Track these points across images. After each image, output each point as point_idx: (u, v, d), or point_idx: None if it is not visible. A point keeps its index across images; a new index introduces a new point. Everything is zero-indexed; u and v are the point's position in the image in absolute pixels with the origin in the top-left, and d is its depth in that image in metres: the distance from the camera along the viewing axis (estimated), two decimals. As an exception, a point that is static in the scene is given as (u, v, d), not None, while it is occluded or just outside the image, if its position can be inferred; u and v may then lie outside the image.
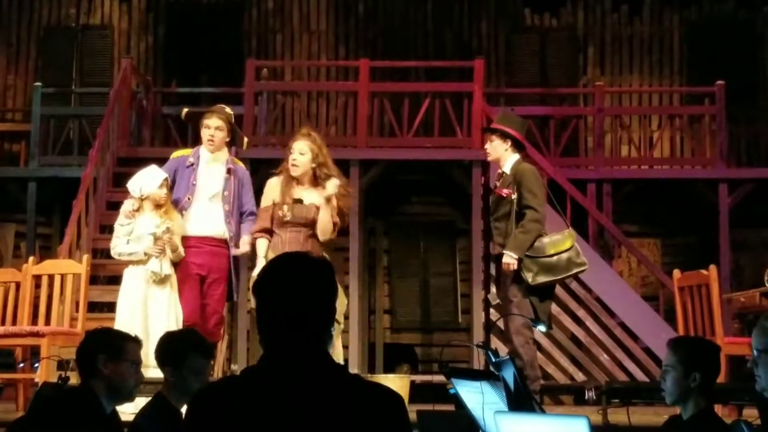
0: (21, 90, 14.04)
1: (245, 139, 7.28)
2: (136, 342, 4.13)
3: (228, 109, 7.13)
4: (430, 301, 13.05)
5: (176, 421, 4.33)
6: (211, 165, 6.91)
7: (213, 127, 6.90)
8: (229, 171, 6.92)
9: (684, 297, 7.59)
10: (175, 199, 6.87)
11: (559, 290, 10.19)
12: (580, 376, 10.14)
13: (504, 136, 6.91)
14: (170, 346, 4.41)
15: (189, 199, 6.80)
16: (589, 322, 10.21)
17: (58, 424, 3.73)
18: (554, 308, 10.21)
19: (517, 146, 6.96)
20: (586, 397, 9.45)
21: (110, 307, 6.83)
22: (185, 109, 7.25)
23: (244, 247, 6.85)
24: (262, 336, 2.54)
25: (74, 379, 4.41)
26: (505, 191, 6.83)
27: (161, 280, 6.75)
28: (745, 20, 13.73)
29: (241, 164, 7.16)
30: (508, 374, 3.65)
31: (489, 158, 7.11)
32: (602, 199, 11.59)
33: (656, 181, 12.15)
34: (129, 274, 6.79)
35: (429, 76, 12.93)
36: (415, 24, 14.14)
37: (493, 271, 8.70)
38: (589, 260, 10.30)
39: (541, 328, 7.25)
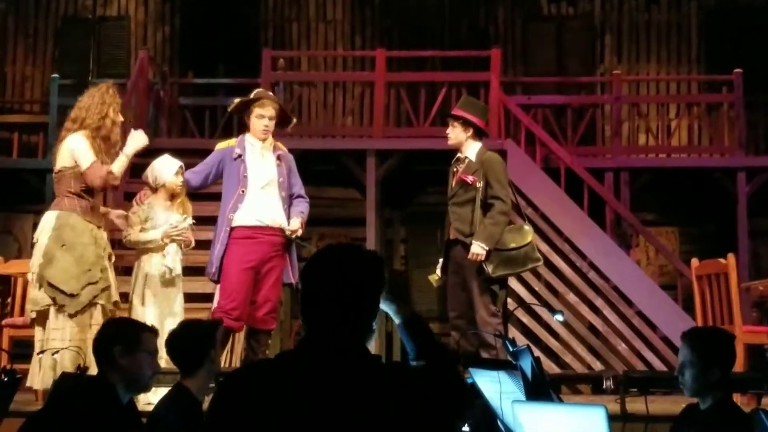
0: (38, 81, 14.10)
1: (293, 120, 7.17)
2: (152, 332, 4.12)
3: (272, 95, 7.11)
4: (448, 290, 13.03)
5: (197, 411, 4.34)
6: (263, 153, 6.81)
7: (267, 116, 6.81)
8: (279, 157, 6.86)
9: (702, 286, 7.58)
10: (225, 196, 6.75)
11: (576, 279, 10.21)
12: (597, 366, 10.11)
13: (466, 123, 6.92)
14: (191, 353, 4.41)
15: (243, 192, 6.67)
16: (607, 312, 10.19)
17: (75, 416, 3.74)
18: (572, 298, 10.22)
19: (479, 133, 6.97)
20: (604, 387, 9.40)
21: (128, 297, 6.79)
22: (237, 100, 7.06)
23: (295, 225, 6.75)
24: (304, 322, 2.53)
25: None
26: (470, 178, 6.84)
27: (169, 281, 6.69)
28: (763, 7, 13.62)
29: (284, 148, 7.02)
30: (526, 363, 3.64)
31: (449, 143, 7.08)
32: (620, 188, 11.55)
33: (674, 169, 12.09)
34: (144, 264, 6.69)
35: (445, 65, 12.90)
36: (431, 13, 14.10)
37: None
38: (607, 249, 10.42)
39: (558, 317, 7.25)
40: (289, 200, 6.85)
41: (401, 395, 2.42)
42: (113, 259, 6.64)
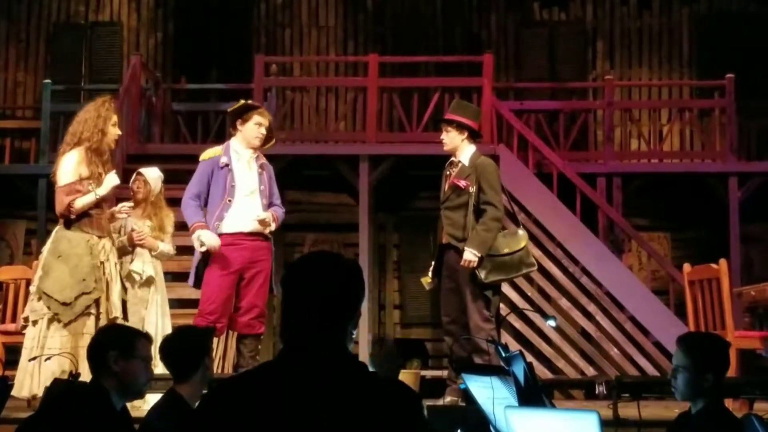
0: (31, 87, 14.08)
1: (273, 141, 7.16)
2: (147, 339, 4.13)
3: None
4: (441, 295, 13.03)
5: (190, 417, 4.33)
6: (249, 162, 6.84)
7: (265, 126, 6.86)
8: (261, 166, 6.90)
9: (694, 291, 7.58)
10: (211, 204, 6.78)
11: (569, 285, 10.21)
12: (590, 371, 10.12)
13: (460, 127, 6.93)
14: (186, 359, 4.41)
15: (230, 201, 6.73)
16: (600, 317, 10.20)
17: (68, 422, 3.74)
18: (564, 303, 10.22)
19: (473, 136, 6.99)
20: (597, 392, 9.42)
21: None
22: (241, 101, 7.01)
23: (265, 215, 6.75)
24: (284, 329, 2.55)
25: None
26: (463, 182, 6.85)
27: (146, 282, 6.92)
28: (755, 13, 13.67)
29: (264, 158, 7.06)
30: (518, 369, 3.65)
31: (445, 148, 7.09)
32: (612, 193, 11.57)
33: (666, 174, 12.12)
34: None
35: (438, 71, 12.91)
36: (423, 19, 14.12)
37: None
38: (599, 254, 10.44)
39: (551, 323, 7.26)
40: (269, 207, 6.91)
41: (388, 403, 2.42)
42: (119, 267, 6.68)
